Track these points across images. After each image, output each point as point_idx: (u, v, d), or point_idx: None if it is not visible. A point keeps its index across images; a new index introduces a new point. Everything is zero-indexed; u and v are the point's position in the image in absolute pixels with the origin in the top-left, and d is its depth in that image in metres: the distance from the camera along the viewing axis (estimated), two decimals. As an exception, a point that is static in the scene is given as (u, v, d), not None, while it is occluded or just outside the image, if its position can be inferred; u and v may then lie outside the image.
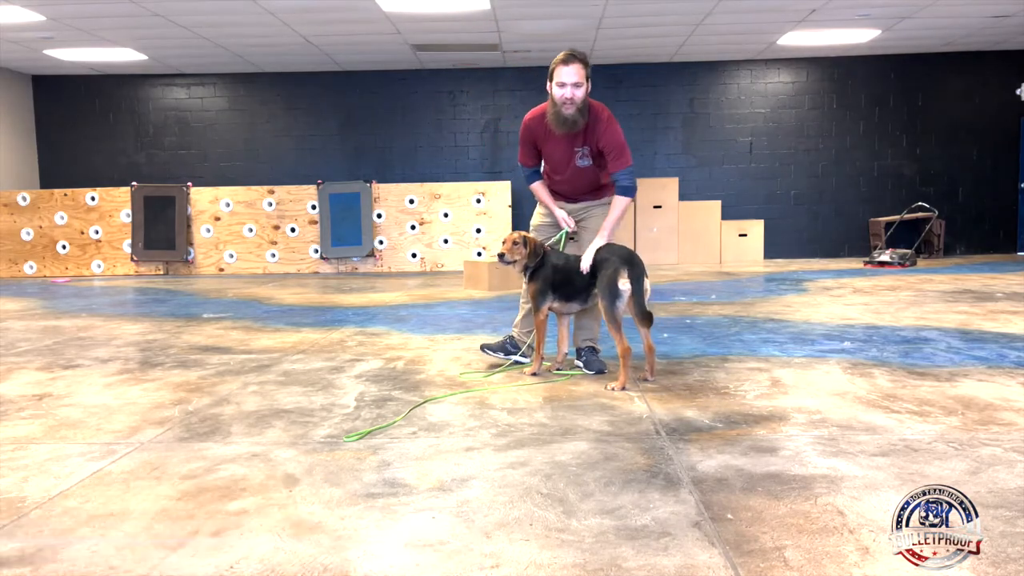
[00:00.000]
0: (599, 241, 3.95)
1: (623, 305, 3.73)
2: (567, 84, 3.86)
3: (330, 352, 4.79)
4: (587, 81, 3.92)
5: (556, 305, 4.02)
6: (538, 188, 4.27)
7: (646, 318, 3.78)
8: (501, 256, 4.04)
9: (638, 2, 8.19)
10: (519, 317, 4.45)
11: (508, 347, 4.41)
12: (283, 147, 11.72)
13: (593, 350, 4.23)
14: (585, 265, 3.91)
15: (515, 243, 4.03)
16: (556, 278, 3.96)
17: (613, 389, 3.72)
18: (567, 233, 4.25)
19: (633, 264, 3.74)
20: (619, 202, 4.02)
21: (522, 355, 4.37)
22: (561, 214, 4.20)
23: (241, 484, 2.56)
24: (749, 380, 3.87)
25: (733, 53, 10.96)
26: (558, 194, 4.28)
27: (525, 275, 4.10)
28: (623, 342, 3.75)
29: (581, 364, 4.19)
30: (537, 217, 4.43)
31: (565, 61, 3.88)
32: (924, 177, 11.41)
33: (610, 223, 3.98)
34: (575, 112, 3.91)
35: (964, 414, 3.20)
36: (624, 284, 3.69)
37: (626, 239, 10.86)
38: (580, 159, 4.08)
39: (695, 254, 11.02)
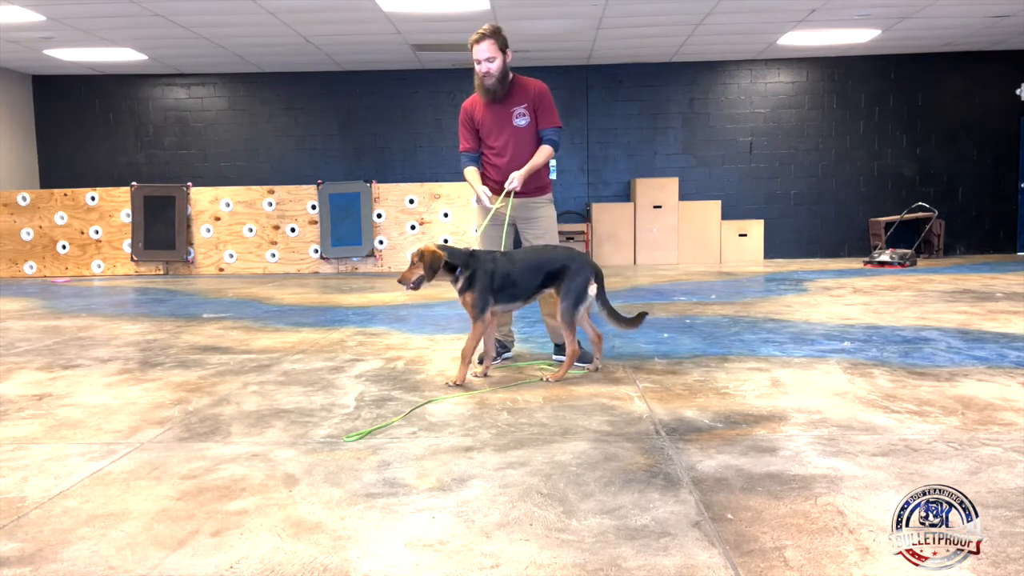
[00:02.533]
0: (521, 174, 4.22)
1: (584, 309, 3.94)
2: (481, 60, 4.23)
3: (330, 352, 4.79)
4: (502, 53, 4.24)
5: (497, 308, 4.02)
6: (469, 173, 4.45)
7: (618, 318, 4.00)
8: (402, 281, 3.91)
9: (638, 2, 8.19)
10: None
11: (498, 348, 4.46)
12: (283, 147, 11.72)
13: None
14: (516, 184, 4.19)
15: (412, 264, 3.89)
16: (496, 283, 3.93)
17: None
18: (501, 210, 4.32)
19: (599, 273, 4.00)
20: (545, 149, 4.34)
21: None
22: (482, 190, 4.32)
23: (241, 484, 2.56)
24: (749, 380, 3.87)
25: (733, 53, 10.96)
26: (500, 169, 4.39)
27: (455, 287, 3.97)
28: (574, 343, 3.95)
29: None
30: (478, 219, 4.52)
31: (477, 41, 4.23)
32: (924, 177, 11.41)
33: (532, 165, 4.27)
34: (495, 82, 4.28)
35: (964, 414, 3.20)
36: (592, 290, 3.92)
37: (626, 239, 10.87)
38: (517, 118, 4.35)
39: (695, 254, 11.01)
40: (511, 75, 4.34)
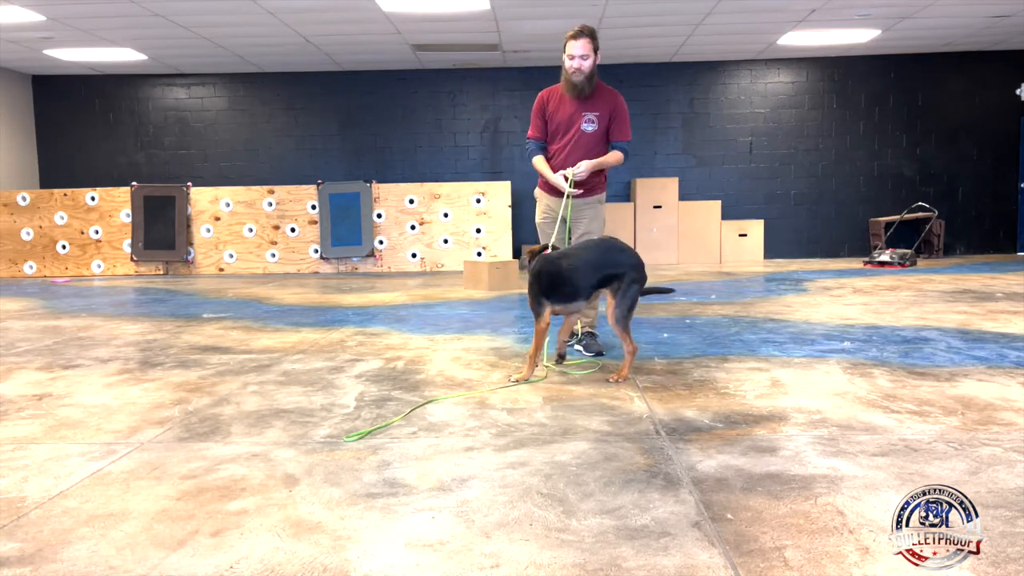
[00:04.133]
0: (587, 163, 4.34)
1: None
2: (575, 56, 4.34)
3: (330, 352, 4.79)
4: (595, 53, 4.36)
5: (559, 308, 4.02)
6: (538, 161, 4.57)
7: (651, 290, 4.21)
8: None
9: (638, 2, 8.19)
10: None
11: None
12: (283, 147, 11.72)
13: (592, 335, 4.59)
14: (581, 172, 4.31)
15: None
16: (546, 282, 3.93)
17: (616, 381, 3.89)
18: (567, 195, 4.42)
19: (645, 281, 4.03)
20: (615, 153, 4.49)
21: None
22: (557, 178, 4.40)
23: (241, 484, 2.56)
24: (749, 380, 3.86)
25: (733, 53, 10.96)
26: (556, 163, 4.52)
27: None
28: (631, 343, 3.97)
29: (582, 348, 4.56)
30: (539, 215, 4.69)
31: (575, 36, 4.35)
32: (924, 177, 11.41)
33: (601, 161, 4.41)
34: (583, 80, 4.37)
35: (964, 414, 3.20)
36: (640, 297, 4.02)
37: (626, 239, 10.86)
38: (586, 123, 4.45)
39: (695, 254, 11.01)
40: (596, 78, 4.43)
